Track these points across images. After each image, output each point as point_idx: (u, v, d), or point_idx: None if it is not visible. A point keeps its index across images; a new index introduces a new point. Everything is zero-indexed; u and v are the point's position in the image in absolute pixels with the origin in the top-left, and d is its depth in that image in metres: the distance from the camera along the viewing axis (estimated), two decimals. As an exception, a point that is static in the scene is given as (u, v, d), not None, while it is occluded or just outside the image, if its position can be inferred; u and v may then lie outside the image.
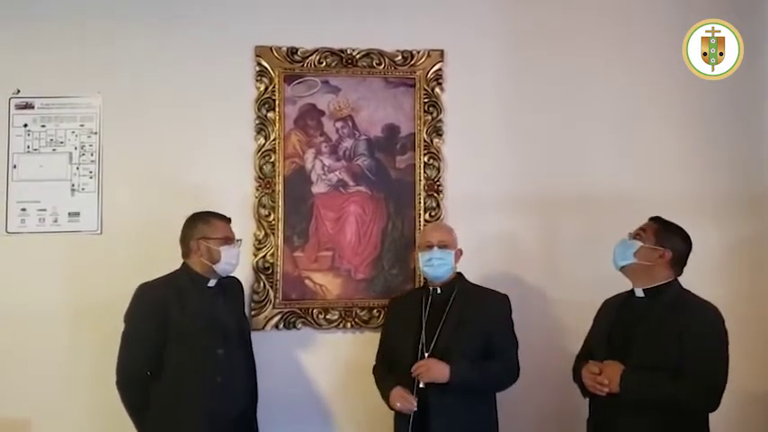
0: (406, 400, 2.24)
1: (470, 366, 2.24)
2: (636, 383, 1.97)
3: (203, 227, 2.32)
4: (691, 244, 2.12)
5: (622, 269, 2.16)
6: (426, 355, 2.27)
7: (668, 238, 2.09)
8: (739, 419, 2.72)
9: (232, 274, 2.43)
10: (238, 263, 2.40)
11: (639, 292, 2.13)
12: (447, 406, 2.23)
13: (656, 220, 2.16)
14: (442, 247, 2.36)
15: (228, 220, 2.38)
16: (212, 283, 2.34)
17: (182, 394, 2.21)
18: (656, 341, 2.00)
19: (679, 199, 2.81)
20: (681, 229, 2.12)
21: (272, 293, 2.77)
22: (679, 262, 2.10)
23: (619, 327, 2.12)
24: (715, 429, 2.07)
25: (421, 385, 2.23)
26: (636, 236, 2.13)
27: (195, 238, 2.30)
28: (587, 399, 2.19)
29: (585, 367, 2.11)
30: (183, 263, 2.34)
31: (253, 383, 2.41)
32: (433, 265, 2.36)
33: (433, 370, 2.21)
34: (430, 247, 2.37)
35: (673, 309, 2.03)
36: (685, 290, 2.10)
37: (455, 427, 2.22)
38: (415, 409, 2.22)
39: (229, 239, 2.33)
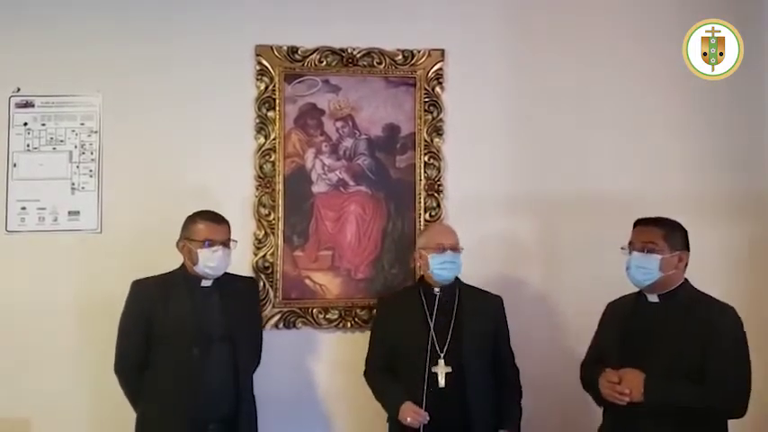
0: (418, 415, 2.21)
1: None
2: (660, 391, 1.88)
3: (189, 227, 2.29)
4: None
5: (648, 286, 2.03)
6: (441, 356, 2.27)
7: (677, 239, 2.01)
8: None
9: (249, 275, 2.46)
10: (222, 266, 2.29)
11: (653, 298, 2.04)
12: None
13: (650, 222, 2.05)
14: (455, 250, 2.36)
15: (218, 221, 2.29)
16: (207, 283, 2.31)
17: (161, 392, 2.25)
18: (676, 346, 1.92)
19: (679, 199, 2.81)
20: (676, 222, 2.05)
21: (271, 293, 2.76)
22: (688, 259, 2.04)
23: (634, 333, 2.02)
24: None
25: (441, 385, 2.25)
26: (648, 250, 2.00)
27: (182, 239, 2.30)
28: (602, 407, 2.10)
29: (603, 376, 1.99)
30: (183, 262, 2.35)
31: (240, 386, 2.30)
32: (447, 269, 2.35)
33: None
34: (443, 250, 2.35)
35: (690, 311, 1.95)
36: (697, 290, 2.03)
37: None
38: (427, 420, 2.21)
39: (211, 242, 2.24)
